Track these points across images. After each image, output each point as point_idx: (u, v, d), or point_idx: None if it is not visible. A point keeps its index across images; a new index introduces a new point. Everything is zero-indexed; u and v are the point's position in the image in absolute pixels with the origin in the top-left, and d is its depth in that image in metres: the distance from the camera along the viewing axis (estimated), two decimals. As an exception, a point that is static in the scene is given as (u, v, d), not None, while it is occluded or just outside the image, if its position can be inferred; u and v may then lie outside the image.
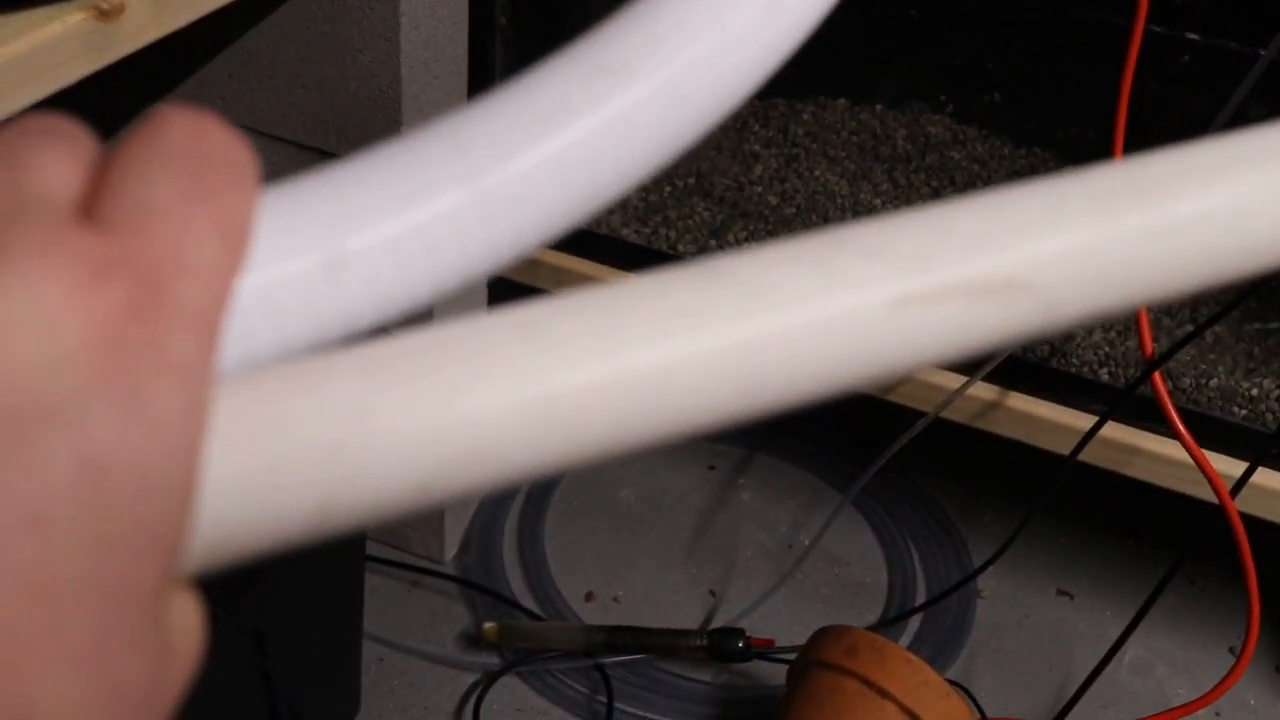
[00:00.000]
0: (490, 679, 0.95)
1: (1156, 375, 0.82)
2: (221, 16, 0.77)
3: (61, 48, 0.66)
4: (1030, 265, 0.22)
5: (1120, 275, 0.22)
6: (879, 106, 1.13)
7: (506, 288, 1.05)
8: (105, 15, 0.70)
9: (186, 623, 0.20)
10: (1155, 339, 0.90)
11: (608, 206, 0.24)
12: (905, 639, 1.00)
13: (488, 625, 0.96)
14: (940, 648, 1.00)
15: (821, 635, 0.86)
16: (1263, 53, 0.78)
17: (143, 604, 0.18)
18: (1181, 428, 0.80)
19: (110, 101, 0.98)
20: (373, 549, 1.03)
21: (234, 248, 0.20)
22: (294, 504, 0.19)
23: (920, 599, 1.03)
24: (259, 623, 0.76)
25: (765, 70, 0.25)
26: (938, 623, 1.01)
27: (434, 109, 0.94)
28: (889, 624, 1.00)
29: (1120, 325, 0.95)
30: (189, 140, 0.20)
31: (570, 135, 0.23)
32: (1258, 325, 0.97)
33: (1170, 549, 0.91)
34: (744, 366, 0.20)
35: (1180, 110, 0.92)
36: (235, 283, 0.20)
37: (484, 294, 1.01)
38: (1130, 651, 1.01)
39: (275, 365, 0.20)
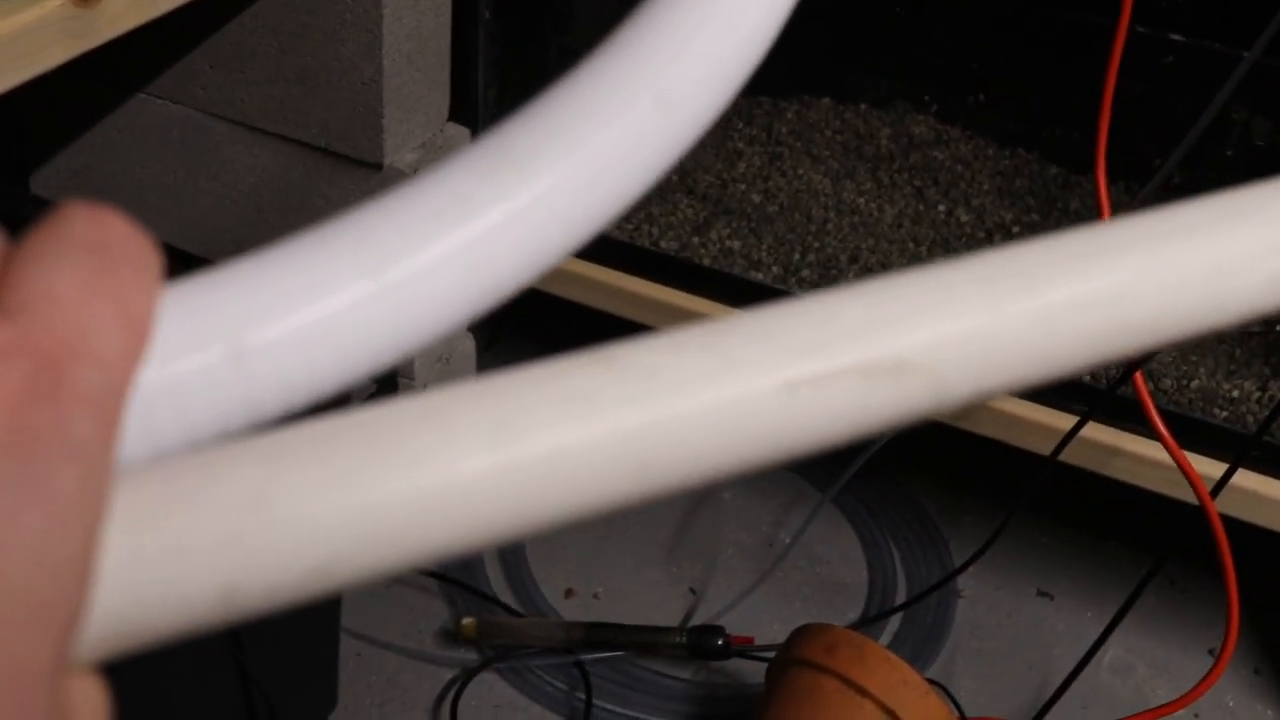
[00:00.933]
0: (468, 675, 0.94)
1: (1138, 376, 0.82)
2: (202, 6, 0.76)
3: (40, 33, 0.66)
4: (919, 348, 0.22)
5: (1006, 357, 0.23)
6: (863, 106, 1.13)
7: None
8: (84, 2, 0.70)
9: (89, 707, 0.20)
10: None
11: (512, 295, 0.25)
12: (885, 638, 1.00)
13: (466, 621, 0.96)
14: (920, 647, 1.00)
15: (801, 633, 0.86)
16: (1245, 54, 0.79)
17: (39, 687, 0.18)
18: (1162, 428, 0.80)
19: (92, 92, 0.98)
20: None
21: (136, 336, 0.20)
22: (195, 590, 0.19)
23: (901, 598, 1.03)
24: (235, 617, 0.76)
25: (663, 164, 0.26)
26: (918, 622, 1.01)
27: (416, 101, 0.93)
28: (869, 623, 1.00)
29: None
30: (92, 232, 0.20)
31: (472, 229, 0.23)
32: (1239, 327, 0.97)
33: (1151, 550, 0.91)
34: (637, 451, 0.21)
35: (1164, 110, 0.92)
36: (137, 369, 0.20)
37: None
38: (1110, 652, 1.01)
39: (179, 455, 0.21)
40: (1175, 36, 0.84)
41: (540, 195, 0.24)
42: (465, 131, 0.96)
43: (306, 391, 0.22)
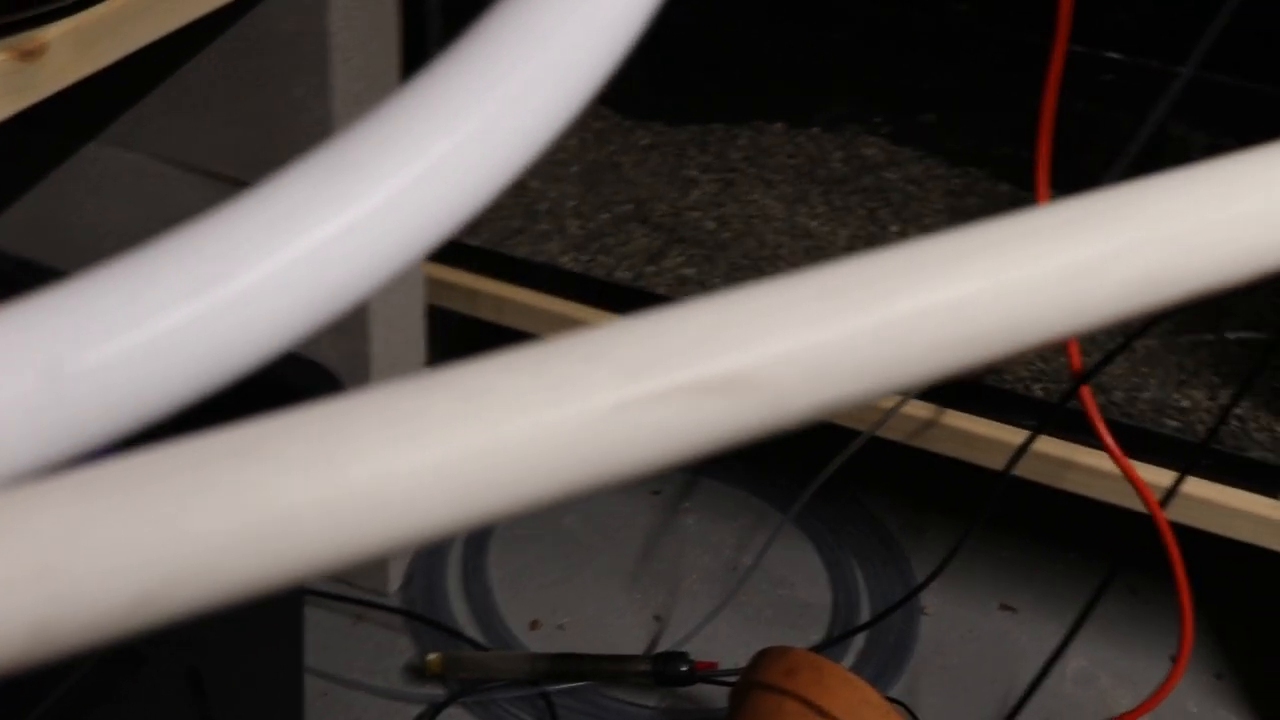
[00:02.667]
0: (435, 711, 0.94)
1: (1085, 389, 0.83)
2: (150, 53, 0.77)
3: (-20, 89, 0.66)
4: (754, 363, 0.22)
5: (846, 370, 0.23)
6: (815, 129, 1.14)
7: (449, 318, 1.06)
8: (27, 56, 0.70)
9: None
10: (1087, 353, 0.91)
11: (350, 309, 0.24)
12: (850, 658, 1.01)
13: (431, 657, 0.96)
14: (884, 666, 1.00)
15: (762, 657, 0.86)
16: (1181, 70, 0.80)
17: None
18: (1109, 440, 0.81)
19: (44, 142, 0.98)
20: (314, 583, 1.02)
21: None
22: (4, 628, 0.19)
23: (864, 617, 1.04)
24: (194, 660, 0.76)
25: (512, 166, 0.26)
26: (882, 641, 1.02)
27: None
28: (833, 643, 1.01)
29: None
30: None
31: (306, 241, 0.23)
32: (1189, 337, 0.98)
33: (1112, 561, 0.92)
34: (465, 475, 0.21)
35: (1104, 128, 0.93)
36: None
37: (422, 323, 1.01)
38: (1073, 663, 1.02)
39: None
40: (1113, 55, 0.85)
41: (380, 203, 0.24)
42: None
43: (133, 416, 0.22)
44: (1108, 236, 0.25)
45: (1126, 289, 0.24)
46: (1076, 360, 0.82)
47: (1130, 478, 0.80)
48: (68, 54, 0.72)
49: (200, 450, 0.20)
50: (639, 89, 1.18)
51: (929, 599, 1.05)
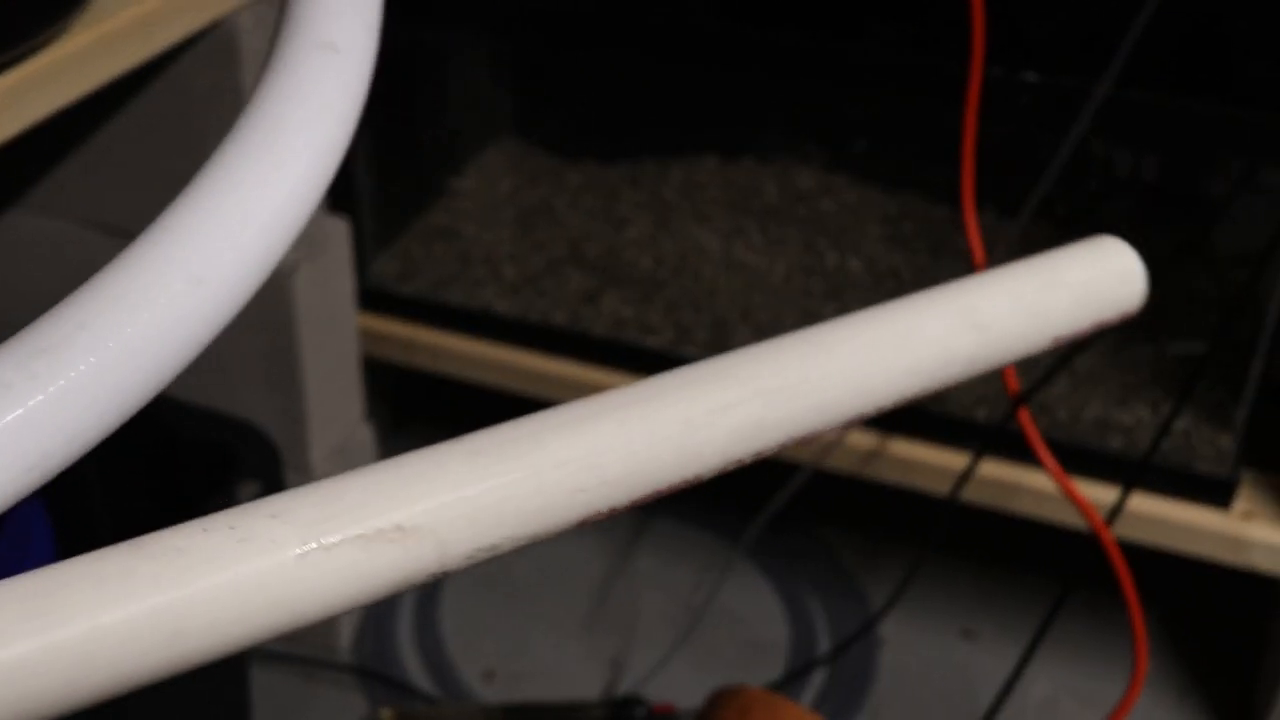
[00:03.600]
0: (389, 769, 0.93)
1: (1023, 411, 0.82)
2: (63, 118, 0.76)
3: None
4: (415, 513, 0.26)
5: (496, 515, 0.27)
6: (748, 161, 1.14)
7: (388, 369, 1.04)
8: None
9: None
10: (1027, 374, 0.90)
11: (57, 473, 0.27)
12: (810, 693, 0.99)
13: (385, 713, 0.94)
14: (845, 700, 0.99)
15: (716, 698, 0.85)
16: (1096, 88, 0.80)
17: None
18: (1049, 460, 0.80)
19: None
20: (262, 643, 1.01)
21: None
22: None
23: (823, 651, 1.03)
24: (133, 731, 0.74)
25: (199, 342, 0.30)
26: (841, 675, 1.01)
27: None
28: (793, 679, 1.00)
29: (993, 363, 0.95)
30: None
31: (8, 415, 0.26)
32: (1130, 353, 0.98)
33: (1070, 582, 0.91)
34: (170, 624, 0.23)
35: (1031, 148, 0.93)
36: None
37: (358, 375, 1.00)
38: (1036, 687, 1.01)
39: None
40: (1029, 77, 0.85)
41: (73, 380, 0.27)
42: (342, 224, 0.96)
43: None
44: (716, 393, 0.30)
45: (735, 435, 0.30)
46: (1013, 383, 0.82)
47: (1072, 497, 0.79)
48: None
49: None
50: (568, 128, 1.17)
51: (888, 629, 1.04)
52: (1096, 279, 0.35)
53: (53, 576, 0.23)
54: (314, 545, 0.25)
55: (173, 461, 0.86)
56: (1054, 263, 0.35)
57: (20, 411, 0.26)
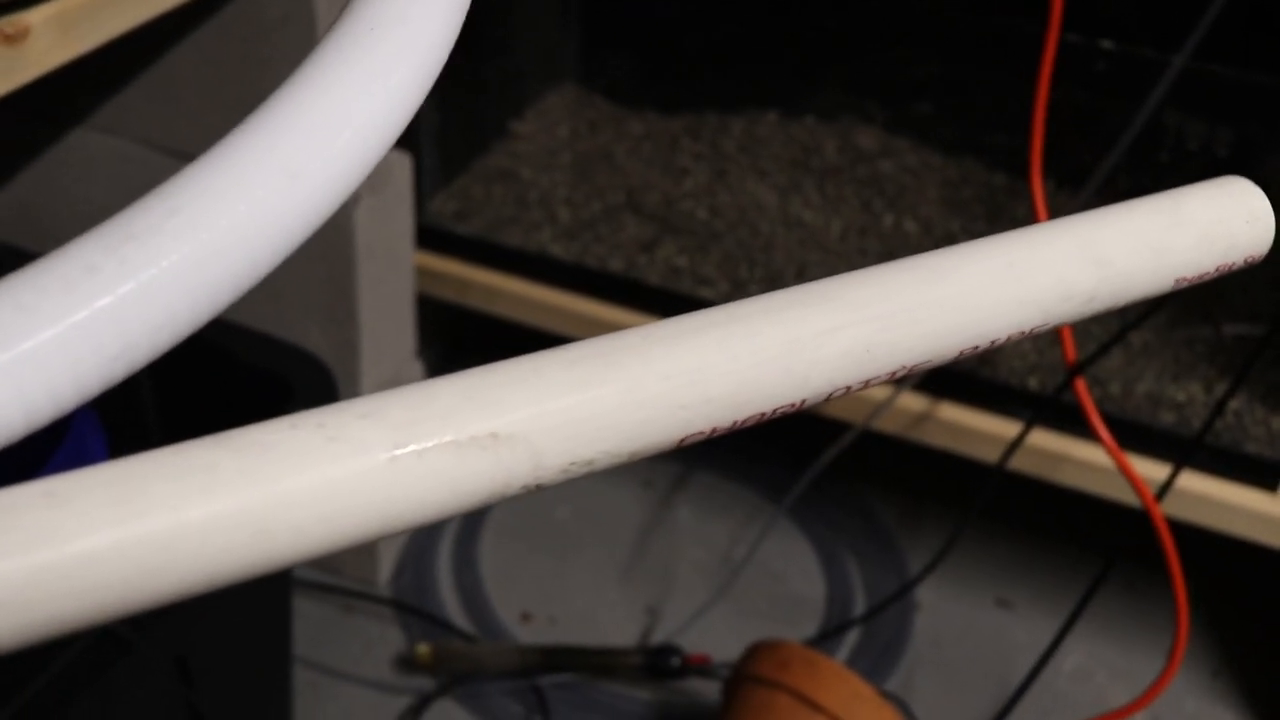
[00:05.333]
0: (424, 702, 0.94)
1: (1079, 381, 0.82)
2: (134, 39, 0.76)
3: (-41, 72, 0.65)
4: (511, 421, 0.25)
5: (590, 427, 0.26)
6: (810, 119, 1.13)
7: (441, 308, 1.05)
8: (9, 40, 0.69)
9: None
10: (1083, 346, 0.90)
11: (143, 366, 0.26)
12: (844, 651, 1.00)
13: (421, 648, 0.95)
14: (879, 660, 0.99)
15: (754, 650, 0.86)
16: (1174, 59, 0.79)
17: None
18: (1104, 432, 0.80)
19: (29, 128, 0.97)
20: (304, 573, 1.02)
21: None
22: None
23: (859, 611, 1.03)
24: (181, 648, 0.75)
25: (293, 238, 0.29)
26: (877, 635, 1.01)
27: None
28: (827, 637, 1.00)
29: (1048, 333, 0.95)
30: None
31: (96, 302, 0.25)
32: (1185, 331, 0.97)
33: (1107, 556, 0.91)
34: (253, 524, 0.22)
35: (1100, 117, 0.92)
36: None
37: (412, 311, 1.00)
38: (1069, 659, 1.01)
39: None
40: (1106, 44, 0.84)
41: (165, 270, 0.26)
42: (406, 159, 0.96)
43: None
44: (825, 314, 0.29)
45: (843, 359, 0.28)
46: (1071, 351, 0.81)
47: (1125, 471, 0.79)
48: (51, 38, 0.71)
49: (4, 501, 0.22)
50: (632, 78, 1.17)
51: (924, 594, 1.04)
52: (1224, 219, 0.33)
53: (134, 467, 0.22)
54: (406, 449, 0.24)
55: (228, 385, 0.87)
56: (1178, 200, 0.33)
57: (109, 300, 0.25)
